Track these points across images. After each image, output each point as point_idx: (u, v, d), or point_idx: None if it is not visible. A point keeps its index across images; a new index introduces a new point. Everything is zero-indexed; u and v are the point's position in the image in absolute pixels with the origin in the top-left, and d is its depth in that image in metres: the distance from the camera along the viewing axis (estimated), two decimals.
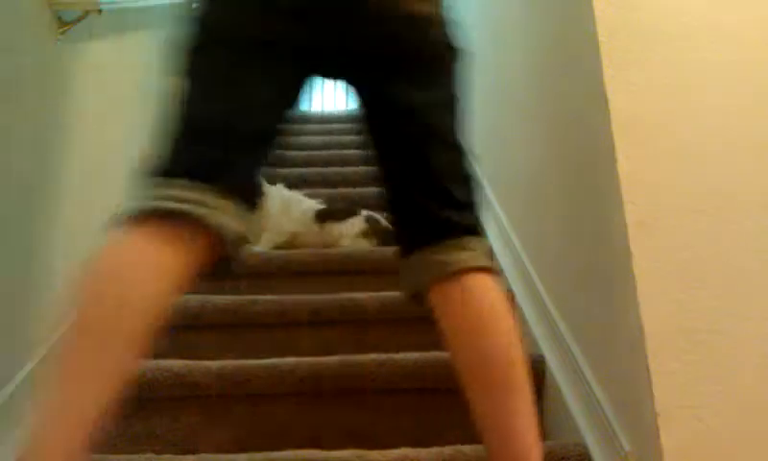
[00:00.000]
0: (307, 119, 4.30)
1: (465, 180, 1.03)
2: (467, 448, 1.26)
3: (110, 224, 0.81)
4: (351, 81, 1.05)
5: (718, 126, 1.12)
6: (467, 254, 0.98)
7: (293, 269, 2.22)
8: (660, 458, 0.96)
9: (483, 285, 0.99)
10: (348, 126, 3.92)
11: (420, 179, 1.00)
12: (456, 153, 1.03)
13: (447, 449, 1.28)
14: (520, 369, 0.96)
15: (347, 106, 4.81)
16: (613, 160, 1.10)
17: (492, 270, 1.00)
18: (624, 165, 1.09)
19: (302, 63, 0.99)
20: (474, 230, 1.01)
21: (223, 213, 0.85)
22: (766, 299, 1.03)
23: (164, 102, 0.93)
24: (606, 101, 1.13)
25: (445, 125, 1.02)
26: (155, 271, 0.81)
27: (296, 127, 4.10)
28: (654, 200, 1.08)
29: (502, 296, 0.99)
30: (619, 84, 1.14)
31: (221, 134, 0.90)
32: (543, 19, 1.60)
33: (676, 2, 1.18)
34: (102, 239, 0.80)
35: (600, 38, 1.16)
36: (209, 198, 0.84)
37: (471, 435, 1.33)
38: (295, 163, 3.30)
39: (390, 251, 2.28)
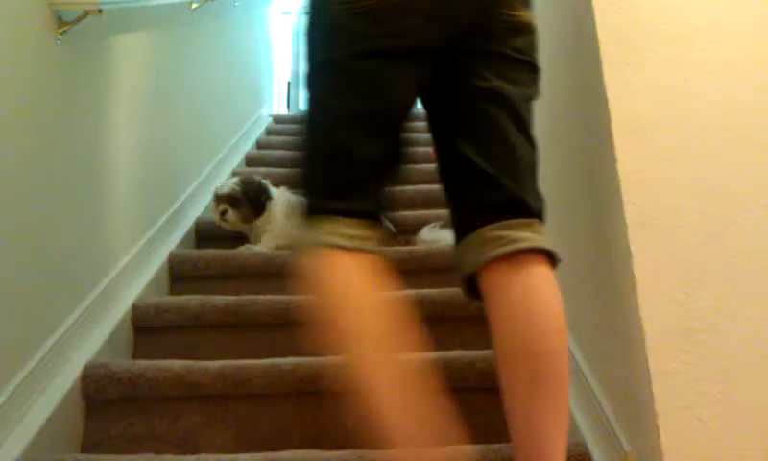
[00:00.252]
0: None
1: (536, 171, 1.07)
2: (467, 449, 1.26)
3: (307, 252, 1.03)
4: (444, 79, 1.09)
5: (718, 126, 1.12)
6: (531, 235, 1.00)
7: (293, 269, 2.21)
8: (660, 458, 0.96)
9: (542, 272, 1.00)
10: None
11: (503, 160, 1.04)
12: (534, 145, 1.08)
13: (447, 449, 1.28)
14: (559, 361, 0.96)
15: None
16: (613, 160, 1.10)
17: (552, 257, 1.02)
18: (624, 165, 1.09)
19: (422, 70, 1.06)
20: (543, 215, 1.04)
21: (370, 242, 1.02)
22: (766, 299, 1.03)
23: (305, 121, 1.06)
24: (606, 101, 1.13)
25: (528, 118, 1.08)
26: (366, 283, 0.99)
27: (294, 127, 4.10)
28: (654, 200, 1.08)
29: (555, 284, 1.01)
30: (619, 85, 1.13)
31: (368, 172, 1.03)
32: (543, 19, 1.60)
33: (676, 2, 1.18)
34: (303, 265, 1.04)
35: (600, 38, 1.16)
36: (363, 231, 1.01)
37: (471, 435, 1.33)
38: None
39: (390, 251, 2.28)
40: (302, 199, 1.05)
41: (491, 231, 1.01)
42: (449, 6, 1.03)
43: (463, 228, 1.06)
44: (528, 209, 1.02)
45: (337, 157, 1.02)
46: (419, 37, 1.02)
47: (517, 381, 0.97)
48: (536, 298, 0.98)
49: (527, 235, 1.00)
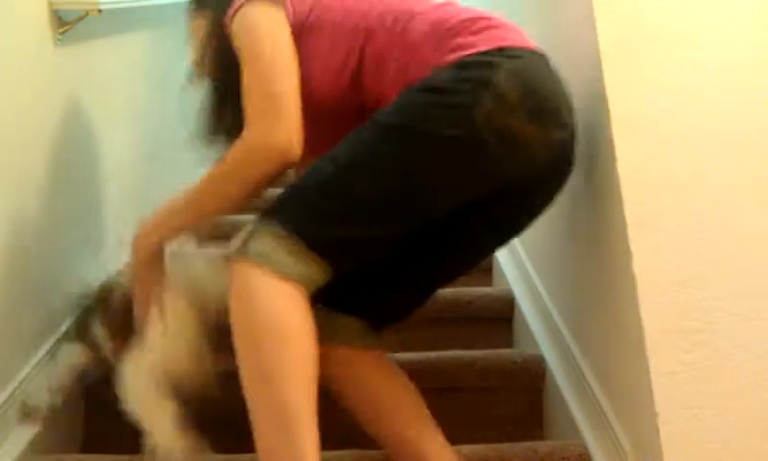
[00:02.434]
0: None
1: None
2: (466, 449, 1.26)
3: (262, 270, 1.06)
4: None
5: (718, 125, 1.12)
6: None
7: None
8: (660, 458, 0.97)
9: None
10: None
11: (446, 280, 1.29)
12: None
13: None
14: None
15: None
16: (613, 160, 1.10)
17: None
18: (624, 165, 1.09)
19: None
20: None
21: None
22: (766, 299, 1.03)
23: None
24: (606, 101, 1.13)
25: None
26: (310, 324, 1.10)
27: None
28: (654, 200, 1.08)
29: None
30: (619, 84, 1.13)
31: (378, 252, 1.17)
32: (543, 19, 1.60)
33: (676, 2, 1.18)
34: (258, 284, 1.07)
35: (600, 39, 1.16)
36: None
37: (471, 435, 1.33)
38: None
39: None
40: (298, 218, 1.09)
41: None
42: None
43: (376, 313, 1.22)
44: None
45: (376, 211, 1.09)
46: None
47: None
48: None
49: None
